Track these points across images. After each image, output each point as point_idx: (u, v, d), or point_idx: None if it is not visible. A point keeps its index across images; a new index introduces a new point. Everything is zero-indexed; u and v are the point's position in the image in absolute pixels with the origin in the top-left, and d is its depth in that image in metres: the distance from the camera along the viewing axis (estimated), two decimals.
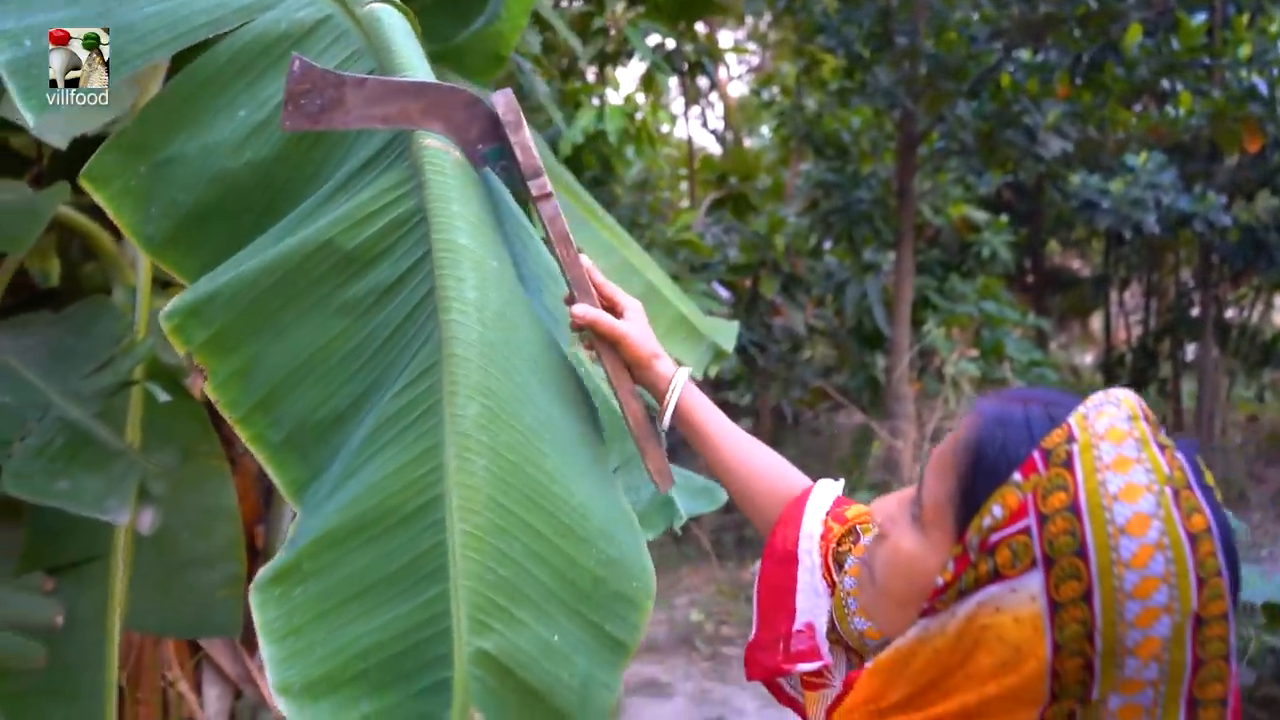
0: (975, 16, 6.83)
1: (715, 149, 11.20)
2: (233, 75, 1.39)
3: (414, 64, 1.33)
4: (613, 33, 6.57)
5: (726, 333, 2.89)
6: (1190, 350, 10.20)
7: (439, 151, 1.20)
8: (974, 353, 7.70)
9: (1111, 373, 10.37)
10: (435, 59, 1.73)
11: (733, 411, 9.04)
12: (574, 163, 6.18)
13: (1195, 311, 9.57)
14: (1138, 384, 9.78)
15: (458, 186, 1.19)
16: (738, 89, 12.64)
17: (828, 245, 8.87)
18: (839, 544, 1.10)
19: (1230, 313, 10.42)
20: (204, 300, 1.18)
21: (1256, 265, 8.16)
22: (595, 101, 6.62)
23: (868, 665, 0.85)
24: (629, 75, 10.43)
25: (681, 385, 1.22)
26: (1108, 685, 0.74)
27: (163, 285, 2.19)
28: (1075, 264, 12.79)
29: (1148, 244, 9.30)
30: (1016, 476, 0.76)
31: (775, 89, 10.22)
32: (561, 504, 1.07)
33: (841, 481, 1.21)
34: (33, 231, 1.88)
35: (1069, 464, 0.75)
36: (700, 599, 6.47)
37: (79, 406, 1.84)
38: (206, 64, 1.39)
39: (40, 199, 1.95)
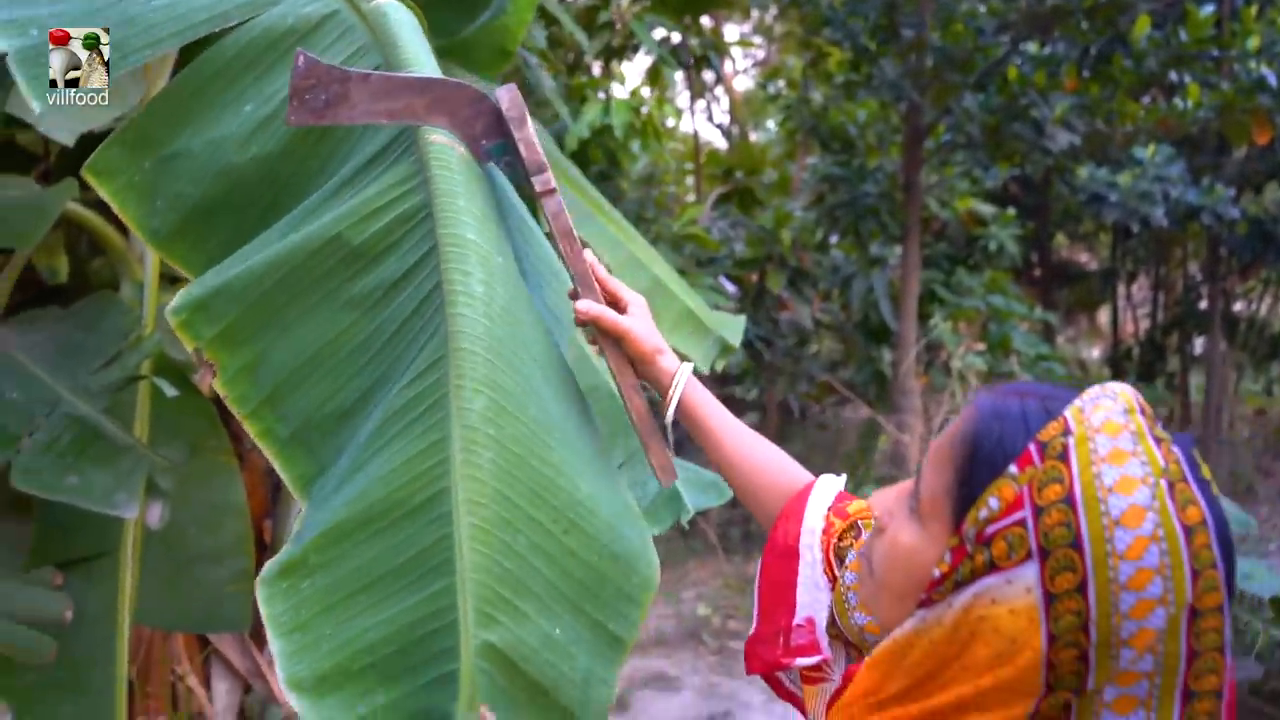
0: (982, 9, 6.81)
1: (721, 143, 11.19)
2: (239, 70, 1.39)
3: (420, 59, 1.33)
4: (618, 27, 6.56)
5: (733, 327, 2.89)
6: (1198, 344, 10.18)
7: (445, 147, 1.20)
8: (981, 347, 7.68)
9: (1119, 366, 10.34)
10: (441, 54, 1.73)
11: (739, 406, 9.04)
12: (580, 157, 6.18)
13: (1203, 305, 9.54)
14: (1145, 378, 9.76)
15: (463, 182, 1.19)
16: (743, 83, 12.63)
17: (834, 239, 8.85)
18: (840, 539, 1.10)
19: (1238, 306, 10.39)
20: (211, 295, 1.19)
21: (1265, 258, 8.12)
22: (601, 96, 6.62)
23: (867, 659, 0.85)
24: (635, 69, 10.44)
25: (685, 381, 1.22)
26: (1103, 677, 0.74)
27: (170, 281, 2.20)
28: (1083, 257, 12.74)
29: (1155, 237, 9.28)
30: (1012, 469, 0.77)
31: (781, 82, 10.21)
32: (567, 498, 1.07)
33: (844, 477, 1.22)
34: (40, 228, 1.88)
35: (1064, 457, 0.75)
36: (707, 593, 6.48)
37: (87, 402, 1.85)
38: (212, 59, 1.39)
39: (48, 195, 1.95)
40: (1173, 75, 6.73)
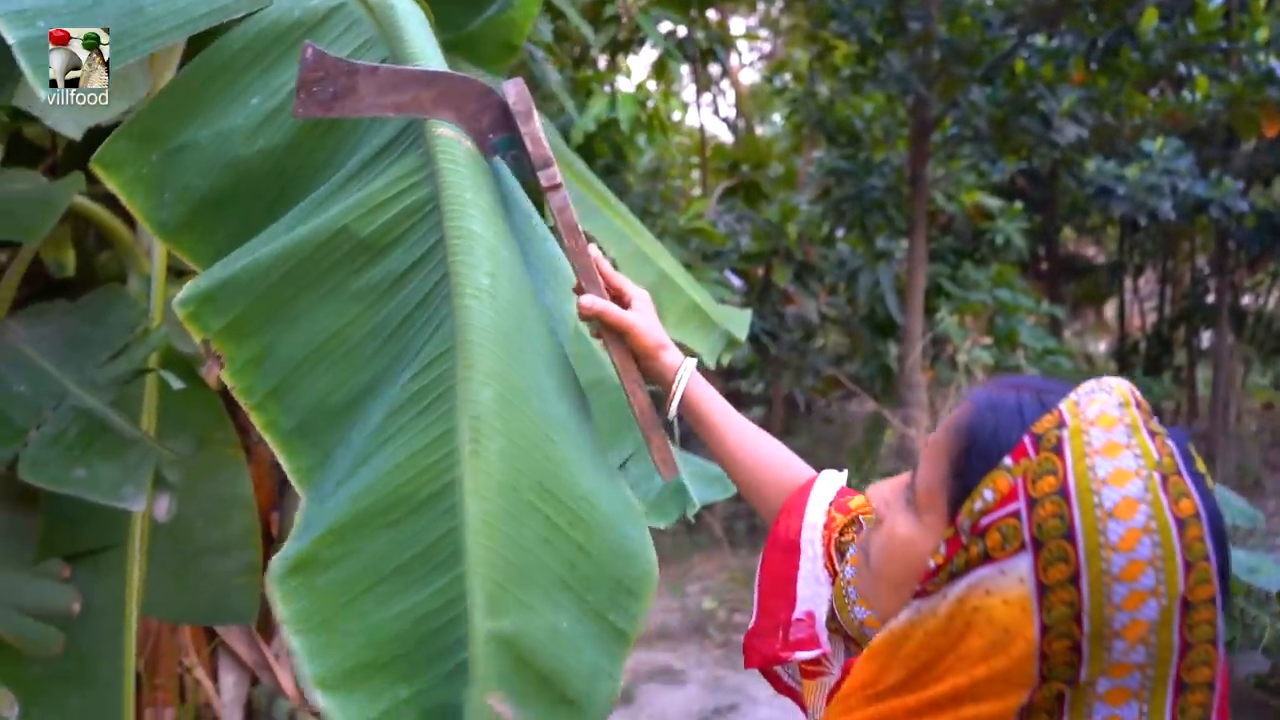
0: (989, 1, 6.78)
1: (727, 136, 11.18)
2: (246, 63, 1.39)
3: (426, 52, 1.33)
4: (625, 20, 6.55)
5: (739, 321, 2.89)
6: (1205, 337, 10.15)
7: (451, 141, 1.20)
8: (987, 340, 7.67)
9: (1126, 360, 10.31)
10: (448, 47, 1.73)
11: (745, 400, 9.05)
12: (586, 151, 6.17)
13: (1211, 298, 9.51)
14: (1152, 371, 9.73)
15: (470, 175, 1.19)
16: (750, 76, 12.60)
17: (840, 233, 8.83)
18: (841, 534, 1.11)
19: (1246, 299, 10.36)
20: (218, 287, 1.19)
21: (1273, 251, 8.11)
22: (607, 89, 6.61)
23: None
24: (641, 63, 10.40)
25: (688, 376, 1.22)
26: (1095, 668, 0.74)
27: (177, 274, 2.20)
28: (1090, 251, 12.71)
29: (1163, 230, 9.25)
30: (1007, 461, 0.77)
31: (787, 76, 10.18)
32: (570, 491, 1.07)
33: (845, 472, 1.22)
34: (47, 221, 1.89)
35: (1059, 449, 0.76)
36: (712, 586, 6.48)
37: (94, 395, 1.86)
38: (220, 51, 1.40)
39: (55, 189, 1.96)
40: (1181, 68, 6.69)
